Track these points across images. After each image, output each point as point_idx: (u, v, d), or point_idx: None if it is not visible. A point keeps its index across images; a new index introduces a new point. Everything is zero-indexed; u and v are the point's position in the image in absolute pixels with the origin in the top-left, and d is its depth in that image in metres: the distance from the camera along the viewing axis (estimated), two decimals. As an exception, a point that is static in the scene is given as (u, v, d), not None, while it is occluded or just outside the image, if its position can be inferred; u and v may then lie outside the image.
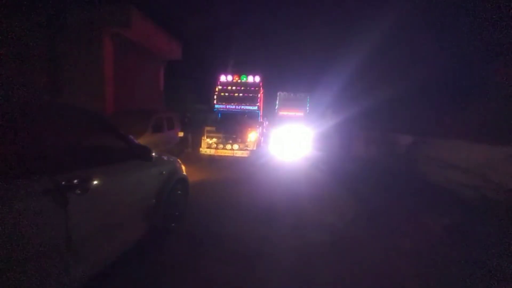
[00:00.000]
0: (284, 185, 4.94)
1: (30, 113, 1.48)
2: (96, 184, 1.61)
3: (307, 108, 12.27)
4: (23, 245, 1.18)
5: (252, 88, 9.02)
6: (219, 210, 3.49)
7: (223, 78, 9.09)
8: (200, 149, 7.19)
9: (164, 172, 2.53)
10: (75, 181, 1.45)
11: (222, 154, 6.97)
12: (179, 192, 2.85)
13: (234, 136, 7.15)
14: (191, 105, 16.76)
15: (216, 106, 8.83)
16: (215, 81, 9.12)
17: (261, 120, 8.87)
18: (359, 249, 2.64)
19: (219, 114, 8.80)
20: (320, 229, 3.02)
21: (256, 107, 8.94)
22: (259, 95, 9.06)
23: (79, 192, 1.46)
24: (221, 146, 7.03)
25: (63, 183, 1.39)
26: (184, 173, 2.97)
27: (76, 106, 1.90)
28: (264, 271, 2.18)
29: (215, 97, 8.94)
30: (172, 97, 13.82)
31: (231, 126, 7.44)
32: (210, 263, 2.23)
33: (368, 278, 2.15)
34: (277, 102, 11.90)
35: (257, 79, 9.05)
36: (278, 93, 11.87)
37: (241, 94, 9.05)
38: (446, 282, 2.17)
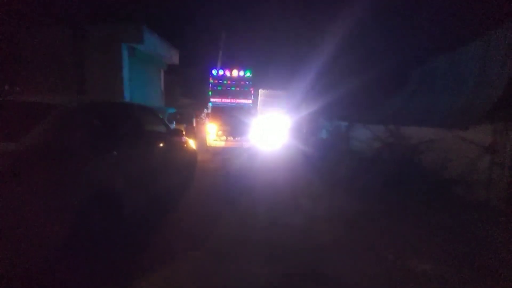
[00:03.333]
0: (263, 159, 7.61)
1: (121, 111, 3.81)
2: (162, 144, 3.73)
3: (285, 103, 14.77)
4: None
5: (244, 83, 9.28)
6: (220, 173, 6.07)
7: (214, 72, 9.20)
8: (208, 141, 7.80)
9: (185, 145, 4.74)
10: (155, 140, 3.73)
11: (231, 145, 7.79)
12: (192, 158, 5.07)
13: (240, 130, 7.88)
14: (178, 98, 18.64)
15: (212, 100, 9.26)
16: (207, 75, 9.32)
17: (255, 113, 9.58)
18: (299, 173, 5.41)
19: (211, 108, 9.17)
20: (282, 170, 5.81)
21: (250, 101, 9.45)
22: (251, 90, 9.51)
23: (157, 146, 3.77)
24: (230, 138, 7.83)
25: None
26: (194, 147, 5.25)
27: (145, 105, 4.24)
28: (247, 188, 4.76)
29: (209, 91, 9.22)
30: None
31: (235, 120, 8.11)
32: (202, 189, 4.76)
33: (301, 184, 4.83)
34: (258, 98, 14.19)
35: (248, 74, 9.32)
36: (260, 90, 14.20)
37: (234, 88, 9.22)
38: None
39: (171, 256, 2.33)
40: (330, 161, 6.98)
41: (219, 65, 14.80)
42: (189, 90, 22.09)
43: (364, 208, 3.55)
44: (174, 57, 13.19)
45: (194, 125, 13.93)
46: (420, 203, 3.46)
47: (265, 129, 11.16)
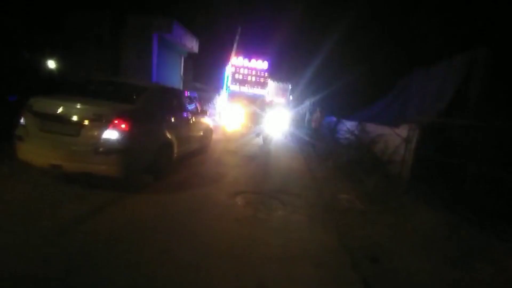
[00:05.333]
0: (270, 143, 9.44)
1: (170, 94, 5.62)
2: (193, 118, 5.69)
3: (289, 95, 16.40)
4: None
5: (262, 73, 9.53)
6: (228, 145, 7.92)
7: (234, 60, 9.34)
8: (225, 126, 8.27)
9: (207, 122, 6.61)
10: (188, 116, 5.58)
11: (245, 131, 8.27)
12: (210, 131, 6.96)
13: (255, 118, 8.23)
14: (190, 82, 20.04)
15: (230, 87, 9.42)
16: (219, 62, 9.99)
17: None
18: (290, 151, 7.20)
19: (229, 95, 9.36)
20: (279, 149, 7.57)
21: (265, 92, 9.67)
22: (267, 81, 9.76)
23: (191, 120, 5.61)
24: (245, 124, 8.28)
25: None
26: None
27: (181, 89, 6.00)
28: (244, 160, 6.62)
29: (229, 78, 9.31)
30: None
31: (250, 108, 8.40)
32: (219, 160, 6.63)
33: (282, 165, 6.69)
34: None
35: (266, 65, 9.45)
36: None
37: (252, 78, 9.37)
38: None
39: (201, 170, 4.22)
40: (317, 146, 8.80)
41: (233, 53, 15.65)
42: (201, 75, 23.38)
43: (324, 173, 5.41)
44: (194, 46, 14.84)
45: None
46: (362, 174, 5.28)
47: (272, 118, 12.82)
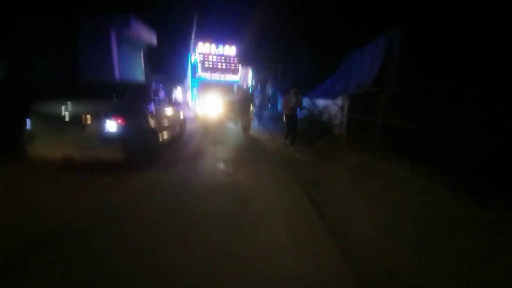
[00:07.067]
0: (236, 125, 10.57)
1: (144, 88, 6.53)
2: (166, 109, 6.64)
3: (252, 79, 17.45)
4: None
5: (232, 59, 9.25)
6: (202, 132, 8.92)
7: (201, 47, 9.03)
8: (197, 113, 8.63)
9: (180, 111, 7.56)
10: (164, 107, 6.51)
11: (215, 117, 8.48)
12: (183, 120, 7.91)
13: (236, 105, 8.28)
14: (149, 75, 19.98)
15: (201, 76, 9.11)
16: (186, 51, 9.29)
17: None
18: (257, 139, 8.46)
19: (199, 83, 9.04)
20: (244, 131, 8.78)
21: (238, 78, 9.51)
22: (238, 66, 9.49)
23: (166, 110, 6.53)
24: (217, 111, 8.38)
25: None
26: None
27: (155, 83, 6.89)
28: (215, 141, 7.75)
29: (199, 66, 9.04)
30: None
31: (221, 95, 8.43)
32: (198, 142, 7.68)
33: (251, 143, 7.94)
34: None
35: (234, 50, 9.17)
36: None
37: (223, 65, 9.05)
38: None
39: (182, 148, 5.30)
40: (276, 121, 10.19)
41: (193, 42, 15.32)
42: (160, 66, 23.11)
43: (285, 143, 6.79)
44: (153, 39, 15.03)
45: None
46: (310, 138, 6.75)
47: (247, 103, 13.63)
